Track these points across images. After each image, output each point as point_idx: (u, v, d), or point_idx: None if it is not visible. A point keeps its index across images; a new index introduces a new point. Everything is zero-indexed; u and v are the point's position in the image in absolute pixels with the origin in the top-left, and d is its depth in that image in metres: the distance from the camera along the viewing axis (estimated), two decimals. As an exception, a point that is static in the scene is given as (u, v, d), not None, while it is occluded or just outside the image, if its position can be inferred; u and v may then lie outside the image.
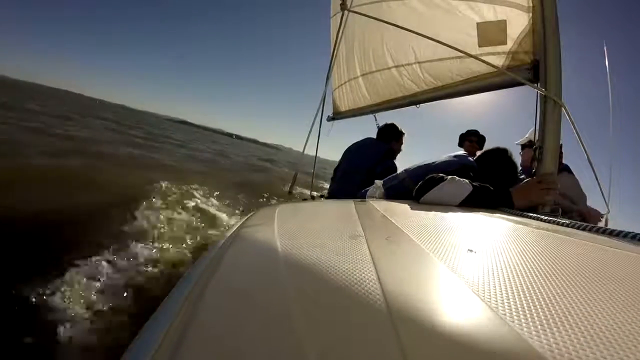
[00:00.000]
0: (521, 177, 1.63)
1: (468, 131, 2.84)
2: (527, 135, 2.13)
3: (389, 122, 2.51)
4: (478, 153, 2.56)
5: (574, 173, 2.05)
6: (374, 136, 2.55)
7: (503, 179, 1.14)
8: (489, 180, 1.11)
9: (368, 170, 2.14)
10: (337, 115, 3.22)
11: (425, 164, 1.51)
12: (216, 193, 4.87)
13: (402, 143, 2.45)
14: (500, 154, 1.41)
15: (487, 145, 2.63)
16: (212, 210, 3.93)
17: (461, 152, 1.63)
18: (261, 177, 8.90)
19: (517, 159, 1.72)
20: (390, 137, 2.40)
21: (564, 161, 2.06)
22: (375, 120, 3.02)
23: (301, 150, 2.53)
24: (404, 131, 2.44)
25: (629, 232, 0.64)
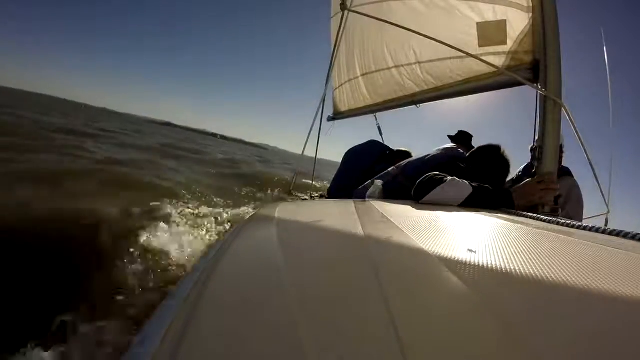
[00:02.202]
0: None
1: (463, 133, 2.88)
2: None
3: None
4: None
5: (574, 173, 2.04)
6: (374, 137, 2.55)
7: (493, 175, 1.14)
8: (480, 176, 1.11)
9: (363, 171, 2.14)
10: (337, 116, 3.22)
11: (415, 159, 1.51)
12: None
13: None
14: (492, 151, 1.40)
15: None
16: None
17: (450, 145, 1.62)
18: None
19: (525, 161, 1.69)
20: (400, 155, 2.38)
21: (564, 163, 2.04)
22: (376, 120, 3.02)
23: (288, 150, 2.53)
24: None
25: (629, 232, 0.64)
